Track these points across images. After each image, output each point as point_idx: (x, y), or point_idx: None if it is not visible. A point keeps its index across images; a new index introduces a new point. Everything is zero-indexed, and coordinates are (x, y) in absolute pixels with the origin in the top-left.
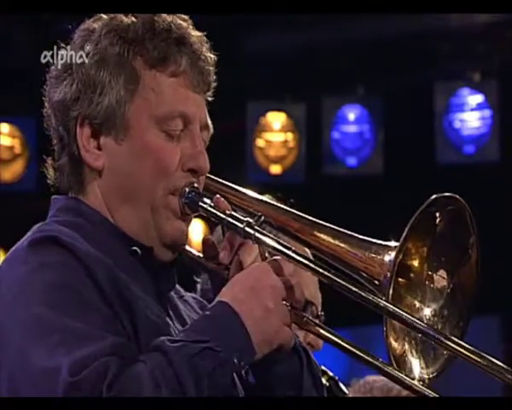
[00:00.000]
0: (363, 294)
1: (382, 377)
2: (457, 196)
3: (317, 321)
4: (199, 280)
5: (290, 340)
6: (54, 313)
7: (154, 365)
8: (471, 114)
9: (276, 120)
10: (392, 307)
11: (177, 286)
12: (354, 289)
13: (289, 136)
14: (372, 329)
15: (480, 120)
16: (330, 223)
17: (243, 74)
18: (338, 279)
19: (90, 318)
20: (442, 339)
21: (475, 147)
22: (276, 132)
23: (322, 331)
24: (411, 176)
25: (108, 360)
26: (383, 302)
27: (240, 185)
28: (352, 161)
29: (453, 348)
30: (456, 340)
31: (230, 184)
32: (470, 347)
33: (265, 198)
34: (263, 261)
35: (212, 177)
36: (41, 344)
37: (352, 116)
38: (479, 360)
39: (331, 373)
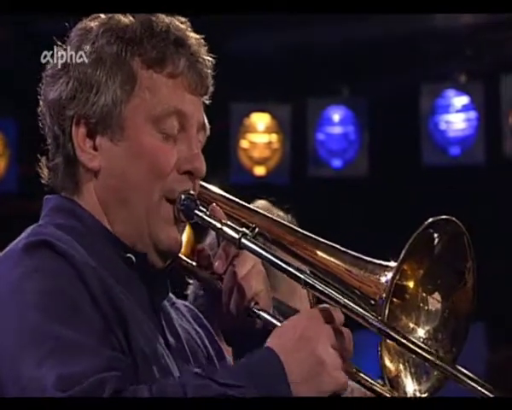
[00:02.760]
0: (361, 312)
1: None
2: (456, 220)
3: (363, 374)
4: (191, 282)
5: (342, 387)
6: (46, 319)
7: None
8: (457, 116)
9: (260, 120)
10: (388, 328)
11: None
12: (354, 306)
13: (273, 137)
14: (362, 335)
15: (465, 122)
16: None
17: (227, 75)
18: (337, 295)
19: (83, 328)
20: (436, 361)
21: (461, 148)
22: (260, 133)
23: (368, 380)
24: (397, 177)
25: (104, 377)
26: (381, 324)
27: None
28: (336, 162)
29: (447, 370)
30: (452, 365)
31: (225, 194)
32: (465, 371)
33: (259, 209)
34: (311, 308)
35: (206, 185)
36: (31, 352)
37: (336, 117)
38: (473, 384)
39: None
